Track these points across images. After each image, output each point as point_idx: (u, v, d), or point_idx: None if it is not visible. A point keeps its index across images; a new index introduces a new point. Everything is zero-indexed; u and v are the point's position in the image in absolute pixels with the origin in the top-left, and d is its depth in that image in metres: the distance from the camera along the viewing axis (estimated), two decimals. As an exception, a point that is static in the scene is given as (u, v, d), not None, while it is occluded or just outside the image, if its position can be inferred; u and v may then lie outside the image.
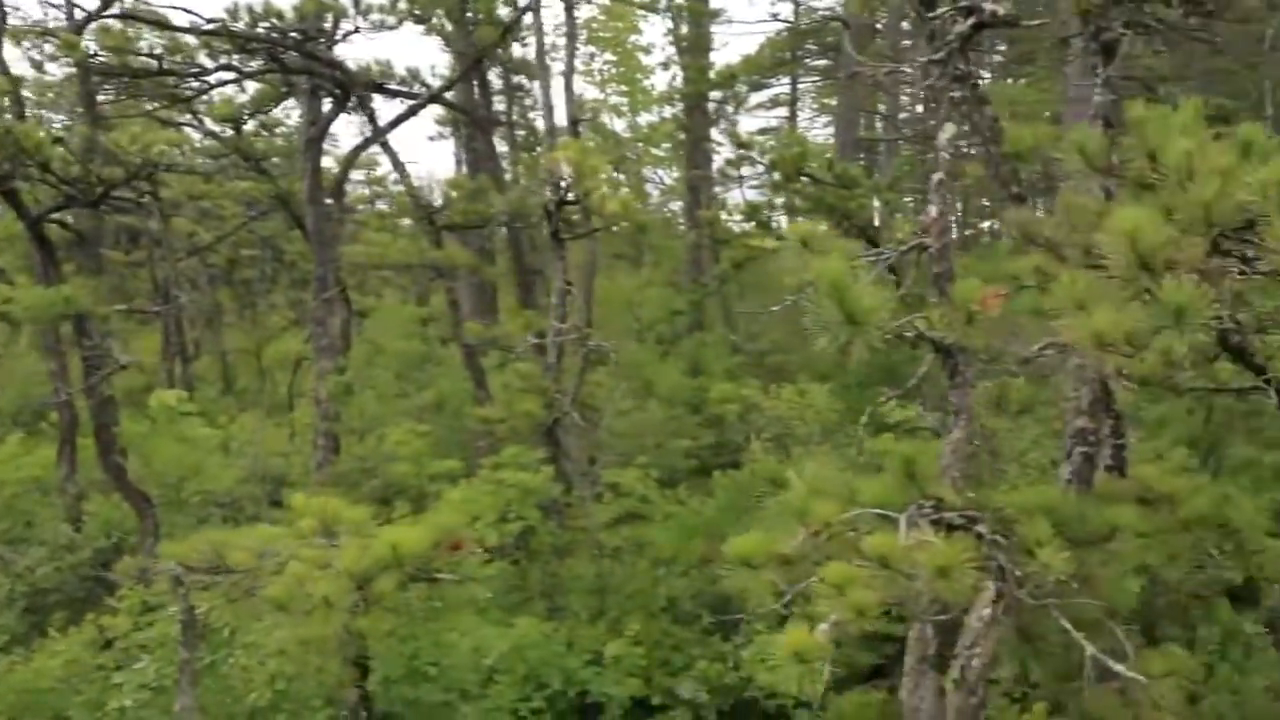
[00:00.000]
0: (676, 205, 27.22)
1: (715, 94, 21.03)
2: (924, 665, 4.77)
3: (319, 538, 6.52)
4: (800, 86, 32.85)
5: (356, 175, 26.88)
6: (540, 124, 20.52)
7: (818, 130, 35.20)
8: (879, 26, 25.10)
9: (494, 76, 22.96)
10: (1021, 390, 8.39)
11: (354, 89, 13.31)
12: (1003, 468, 11.25)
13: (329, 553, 6.25)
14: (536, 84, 20.89)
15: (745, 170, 15.76)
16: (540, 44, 17.42)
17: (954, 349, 4.68)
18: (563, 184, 10.71)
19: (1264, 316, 8.67)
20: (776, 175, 13.36)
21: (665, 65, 22.40)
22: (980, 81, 6.48)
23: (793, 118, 31.89)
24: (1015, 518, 4.36)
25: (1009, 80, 29.86)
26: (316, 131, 13.85)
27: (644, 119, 24.83)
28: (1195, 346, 8.90)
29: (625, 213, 10.79)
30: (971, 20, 4.92)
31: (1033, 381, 9.86)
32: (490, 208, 14.71)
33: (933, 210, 5.00)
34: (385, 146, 15.14)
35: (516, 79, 24.28)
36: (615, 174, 27.35)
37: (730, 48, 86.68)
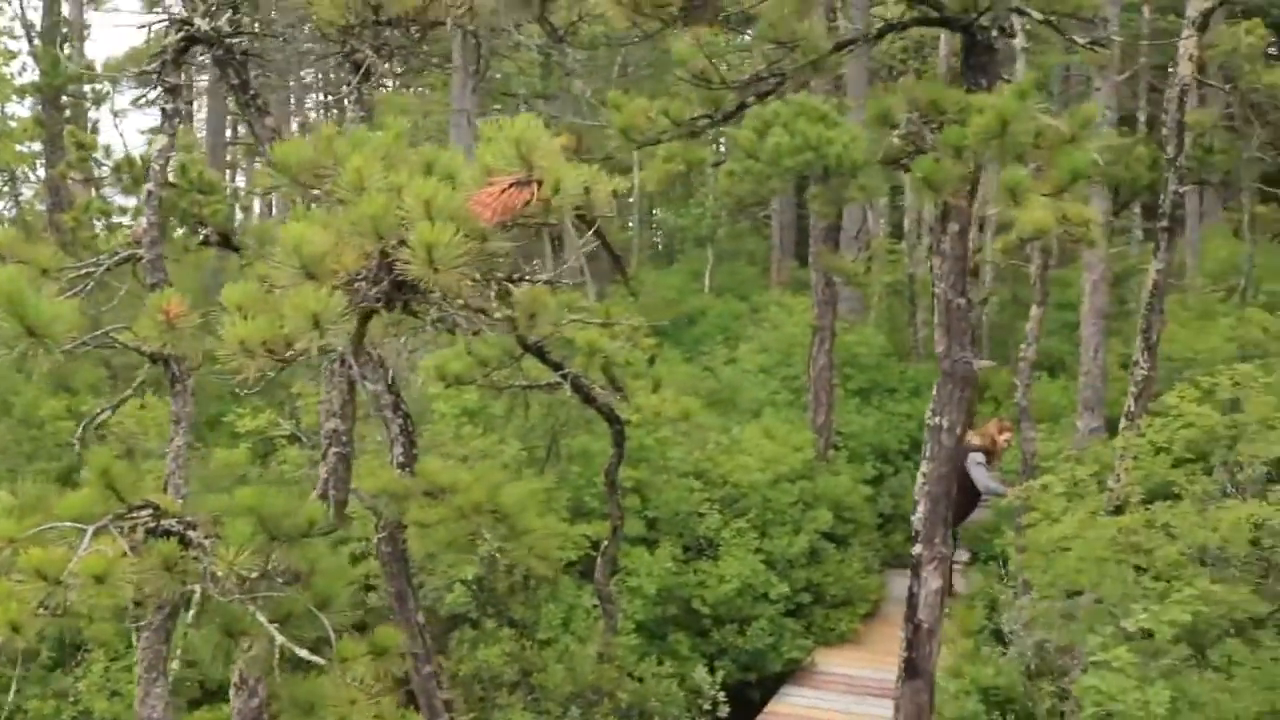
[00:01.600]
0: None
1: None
2: (153, 674, 4.81)
3: None
4: (199, 85, 31.84)
5: None
6: None
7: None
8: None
9: None
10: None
11: None
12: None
13: None
14: None
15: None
16: None
17: (168, 358, 4.76)
18: None
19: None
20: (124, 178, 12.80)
21: (13, 55, 20.65)
22: (257, 94, 6.60)
23: (188, 118, 30.78)
24: (224, 520, 4.49)
25: (410, 90, 30.77)
26: None
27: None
28: (504, 348, 9.63)
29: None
30: (182, 34, 5.04)
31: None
32: None
33: (144, 221, 5.07)
34: None
35: None
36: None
37: (119, 38, 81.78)
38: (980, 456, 14.52)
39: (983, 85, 6.34)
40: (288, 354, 4.01)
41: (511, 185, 4.00)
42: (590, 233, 13.14)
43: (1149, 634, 8.18)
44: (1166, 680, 7.64)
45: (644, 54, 28.03)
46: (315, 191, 5.01)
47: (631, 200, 28.43)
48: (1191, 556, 9.22)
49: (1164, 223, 10.76)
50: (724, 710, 11.96)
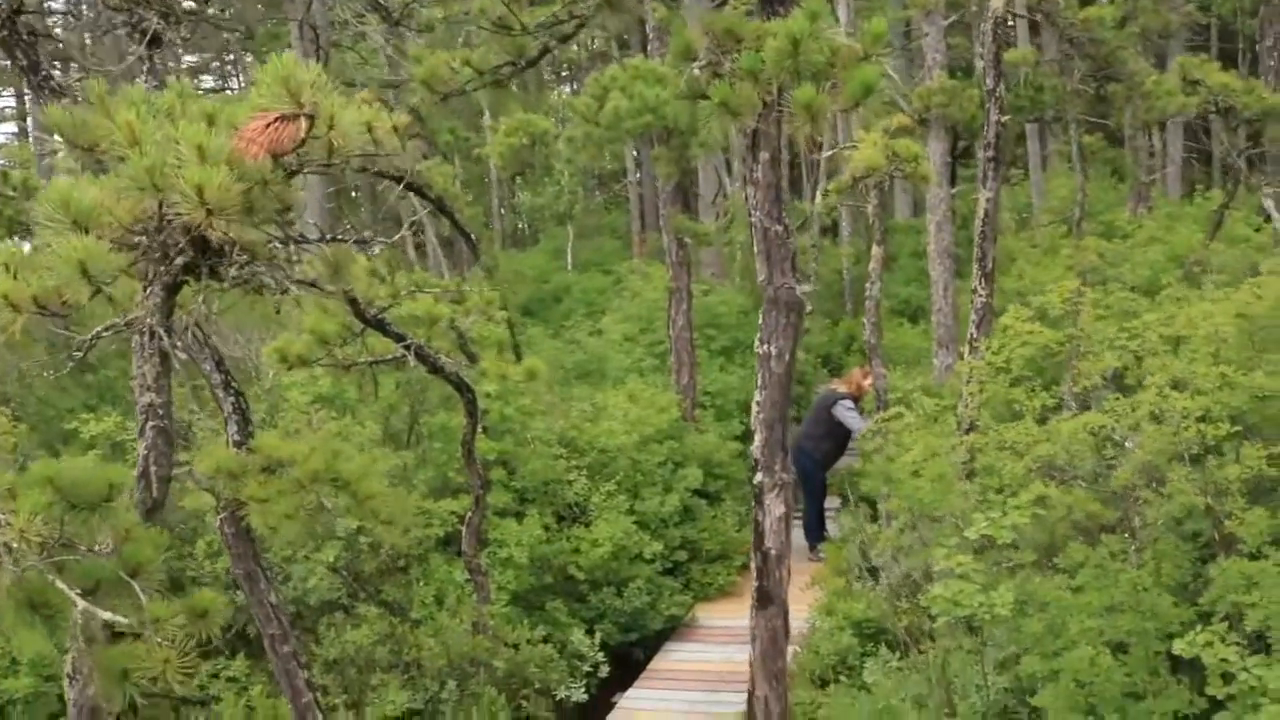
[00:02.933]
0: None
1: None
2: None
3: None
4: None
5: None
6: None
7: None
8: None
9: None
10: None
11: None
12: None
13: None
14: None
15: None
16: None
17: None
18: None
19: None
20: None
21: None
22: (49, 75, 6.42)
23: (24, 134, 29.89)
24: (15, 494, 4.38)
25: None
26: None
27: None
28: (345, 325, 9.49)
29: None
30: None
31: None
32: None
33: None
34: None
35: None
36: None
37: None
38: (849, 403, 14.86)
39: (780, 14, 6.42)
40: (62, 309, 3.91)
41: (279, 119, 3.94)
42: (435, 212, 13.03)
43: (998, 544, 8.43)
44: (1014, 584, 7.87)
45: (482, 34, 27.87)
46: (96, 155, 4.90)
47: (489, 182, 28.35)
48: (1039, 471, 9.51)
49: (989, 153, 11.05)
50: (604, 671, 12.06)
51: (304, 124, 4.00)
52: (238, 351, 12.82)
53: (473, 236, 15.96)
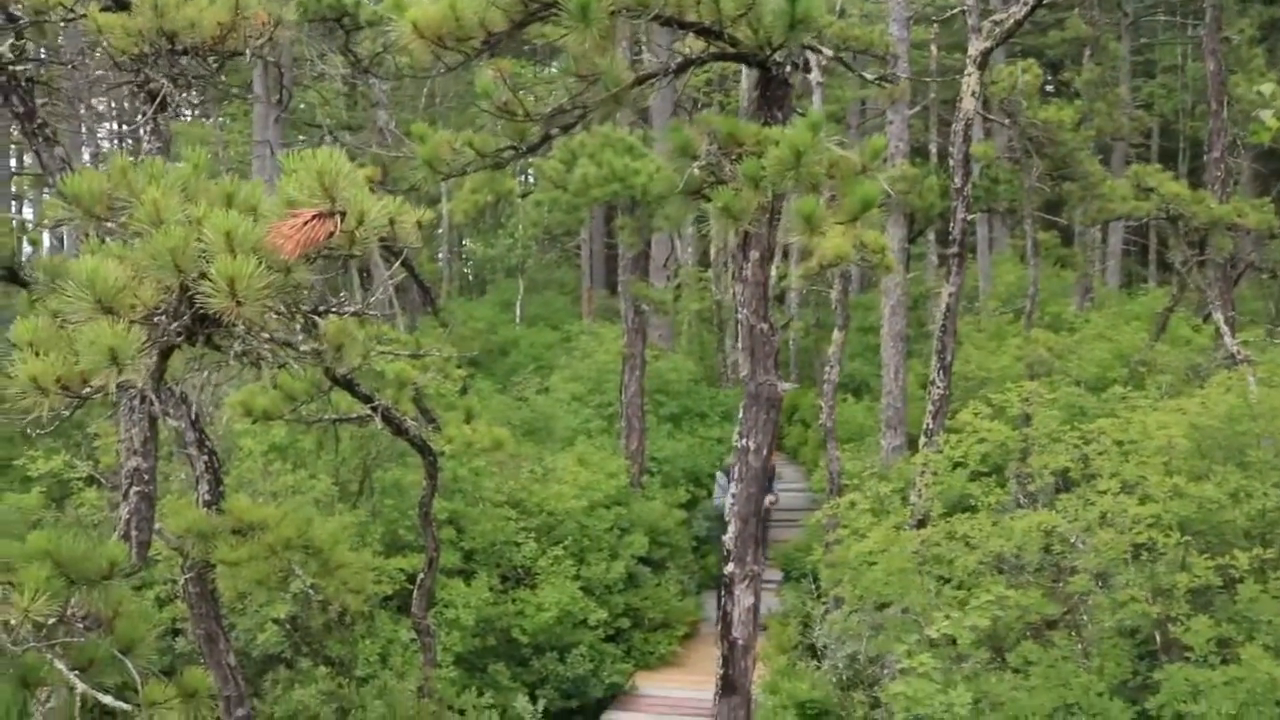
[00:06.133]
0: None
1: None
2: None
3: None
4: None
5: None
6: None
7: None
8: None
9: None
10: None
11: None
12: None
13: None
14: None
15: None
16: None
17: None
18: None
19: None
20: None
21: None
22: (45, 122, 6.41)
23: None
24: (13, 565, 4.33)
25: (211, 120, 30.15)
26: None
27: None
28: (314, 381, 9.45)
29: None
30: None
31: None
32: None
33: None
34: None
35: None
36: None
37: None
38: (721, 476, 15.03)
39: (778, 118, 6.57)
40: (84, 391, 3.90)
41: (315, 217, 3.98)
42: (398, 264, 13.04)
43: (953, 640, 8.56)
44: (968, 683, 8.00)
45: (450, 85, 28.02)
46: (110, 225, 4.89)
47: (441, 231, 28.34)
48: (990, 565, 9.69)
49: (953, 249, 11.29)
50: (546, 738, 12.00)
51: (338, 221, 4.05)
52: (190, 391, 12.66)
53: (430, 289, 15.96)
